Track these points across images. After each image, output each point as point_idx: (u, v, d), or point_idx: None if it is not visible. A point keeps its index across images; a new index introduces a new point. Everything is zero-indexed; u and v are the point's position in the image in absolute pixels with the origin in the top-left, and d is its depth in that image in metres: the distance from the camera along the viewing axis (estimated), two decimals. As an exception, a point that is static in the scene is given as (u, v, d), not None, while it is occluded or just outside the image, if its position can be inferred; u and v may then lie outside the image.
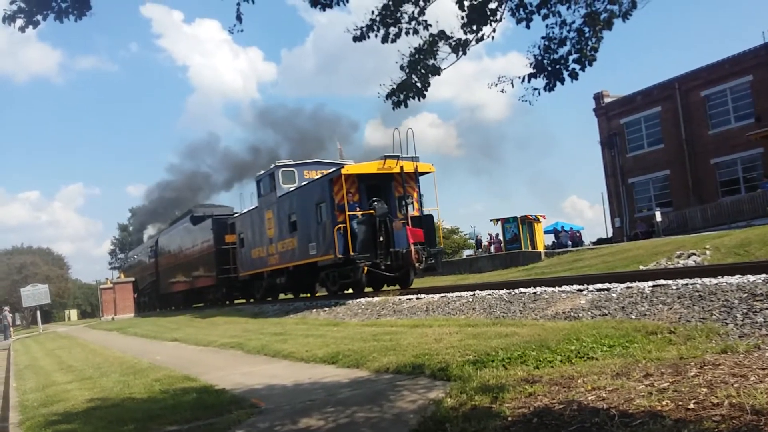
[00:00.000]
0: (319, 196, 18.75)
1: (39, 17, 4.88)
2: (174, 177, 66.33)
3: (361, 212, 17.71)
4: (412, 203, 18.66)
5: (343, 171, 17.55)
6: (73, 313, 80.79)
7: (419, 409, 5.17)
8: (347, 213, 17.33)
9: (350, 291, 19.36)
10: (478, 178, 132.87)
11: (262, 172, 23.43)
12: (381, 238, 17.30)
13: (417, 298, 14.19)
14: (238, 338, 13.14)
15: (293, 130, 54.59)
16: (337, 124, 66.38)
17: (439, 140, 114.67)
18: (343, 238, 17.29)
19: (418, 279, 19.86)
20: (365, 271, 17.27)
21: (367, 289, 18.66)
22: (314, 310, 17.25)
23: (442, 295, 13.65)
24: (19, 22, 4.84)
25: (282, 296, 25.14)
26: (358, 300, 16.46)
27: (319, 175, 19.93)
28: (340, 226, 17.34)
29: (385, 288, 18.90)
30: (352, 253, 17.12)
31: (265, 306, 22.17)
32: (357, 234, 17.39)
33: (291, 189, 21.11)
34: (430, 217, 18.77)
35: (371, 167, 17.90)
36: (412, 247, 16.77)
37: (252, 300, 27.40)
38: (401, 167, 17.72)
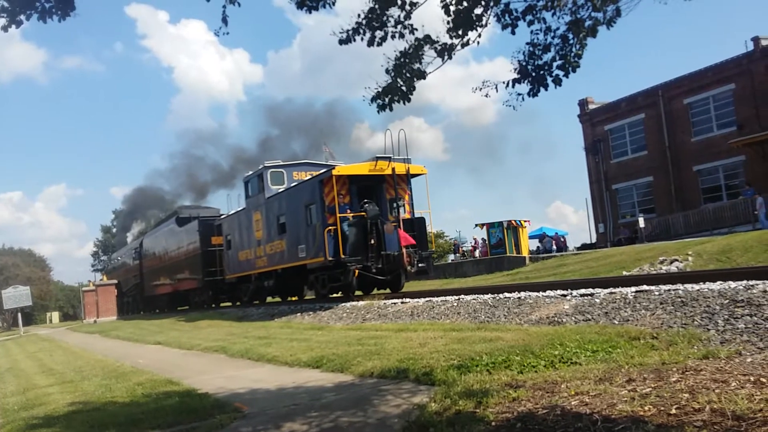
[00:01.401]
0: (309, 197, 18.48)
1: (22, 17, 4.83)
2: (174, 165, 65.11)
3: (351, 214, 17.46)
4: (404, 205, 18.44)
5: (334, 172, 17.28)
6: (55, 316, 79.81)
7: (403, 414, 5.16)
8: (338, 215, 17.09)
9: (339, 294, 19.12)
10: (464, 182, 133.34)
11: (250, 172, 23.16)
12: (372, 241, 17.02)
13: (402, 303, 14.18)
14: (221, 342, 13.07)
15: (309, 124, 53.56)
16: (351, 123, 65.83)
17: (426, 145, 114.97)
18: (333, 240, 17.03)
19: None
20: (356, 274, 17.03)
21: (357, 293, 18.45)
22: (299, 313, 17.18)
23: (427, 299, 13.66)
24: (2, 21, 4.79)
25: (269, 299, 24.95)
26: (343, 304, 16.40)
27: (309, 176, 19.69)
28: (330, 228, 17.12)
29: (375, 292, 18.77)
30: (342, 256, 16.86)
31: (250, 309, 22.04)
32: (348, 236, 17.12)
33: (280, 190, 20.87)
34: (422, 219, 18.52)
35: (362, 168, 17.65)
36: (404, 250, 16.59)
37: (238, 303, 27.15)
38: (393, 169, 17.48)
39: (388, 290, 18.42)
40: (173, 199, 56.92)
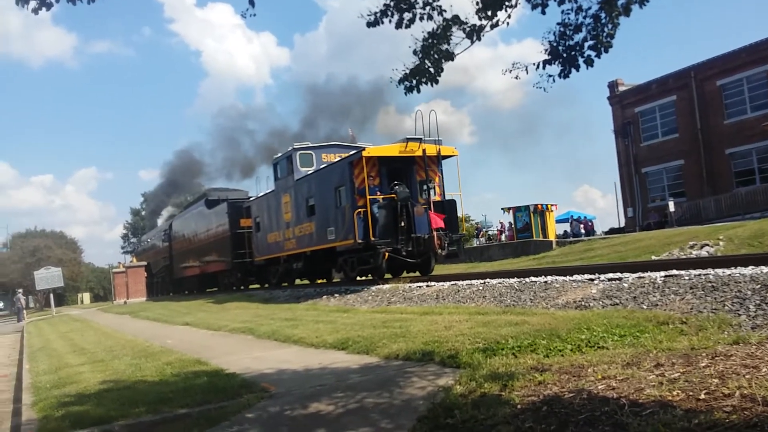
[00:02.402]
0: (339, 179, 18.31)
1: None
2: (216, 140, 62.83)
3: (381, 196, 17.23)
4: (434, 188, 18.13)
5: (365, 153, 17.08)
6: (86, 297, 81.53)
7: (428, 396, 5.17)
8: (368, 197, 16.90)
9: (369, 277, 18.95)
10: (491, 166, 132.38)
11: (279, 155, 23.08)
12: (402, 223, 16.85)
13: (427, 286, 14.19)
14: (249, 323, 13.20)
15: (353, 101, 52.99)
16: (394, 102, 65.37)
17: (452, 128, 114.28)
18: (363, 222, 16.85)
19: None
20: (386, 257, 16.85)
21: (386, 276, 18.24)
22: (325, 296, 17.26)
23: (453, 283, 13.65)
24: (33, 3, 4.83)
25: (297, 282, 24.99)
26: (368, 287, 16.43)
27: (338, 158, 19.55)
28: (360, 210, 16.94)
29: (404, 275, 18.58)
30: (372, 239, 16.69)
31: (276, 292, 22.20)
32: (378, 219, 16.91)
33: (309, 172, 20.76)
34: (453, 202, 18.13)
35: (393, 150, 17.41)
36: (435, 232, 16.37)
37: (266, 285, 27.25)
38: (423, 150, 17.22)
39: (417, 273, 18.26)
40: (216, 171, 56.89)
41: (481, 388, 4.93)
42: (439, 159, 18.01)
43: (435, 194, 18.08)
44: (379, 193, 17.37)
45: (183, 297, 35.54)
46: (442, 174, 18.35)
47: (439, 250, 16.70)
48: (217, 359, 8.73)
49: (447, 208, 17.73)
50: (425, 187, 17.98)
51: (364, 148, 17.67)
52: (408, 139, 17.24)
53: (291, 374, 7.04)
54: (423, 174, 17.82)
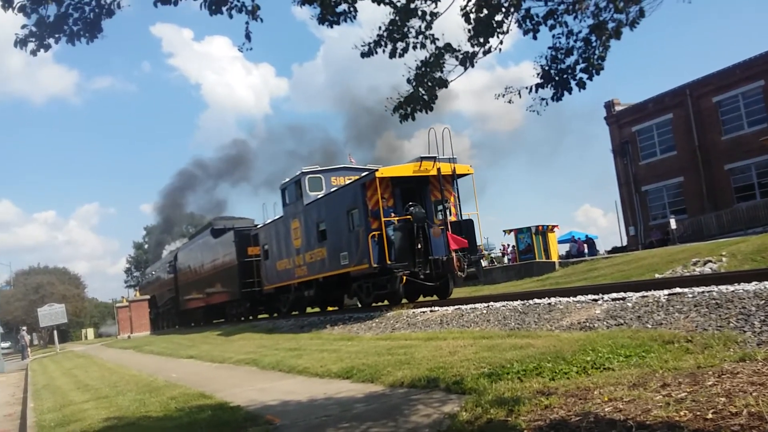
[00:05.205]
0: (351, 202, 17.77)
1: (50, 41, 4.93)
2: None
3: (396, 218, 16.66)
4: (450, 208, 17.49)
5: (377, 174, 16.49)
6: (90, 332, 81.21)
7: (434, 423, 5.14)
8: (382, 219, 16.34)
9: (385, 303, 18.35)
10: (491, 188, 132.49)
11: (287, 179, 22.52)
12: (419, 246, 16.32)
13: (431, 311, 14.13)
14: (253, 354, 13.15)
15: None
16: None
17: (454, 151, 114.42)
18: (378, 246, 16.30)
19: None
20: (404, 280, 16.34)
21: (402, 301, 17.73)
22: (329, 325, 17.17)
23: (456, 307, 13.59)
24: (31, 45, 4.88)
25: (309, 310, 24.45)
26: (372, 314, 16.32)
27: (348, 181, 19.08)
28: (374, 233, 16.38)
29: (421, 299, 18.02)
30: (388, 262, 16.06)
31: (280, 321, 22.04)
32: (393, 241, 16.30)
33: (319, 196, 20.29)
34: (470, 221, 17.47)
35: (407, 170, 16.89)
36: (454, 254, 15.88)
37: (275, 315, 26.67)
38: (438, 169, 16.76)
39: (435, 297, 17.80)
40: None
41: (487, 413, 4.90)
42: (454, 178, 17.44)
43: (451, 214, 17.43)
44: (393, 214, 16.78)
45: (188, 330, 35.35)
46: (458, 193, 17.74)
47: (459, 273, 16.10)
48: (222, 392, 8.69)
49: (464, 228, 17.16)
50: (440, 207, 17.45)
51: (376, 169, 17.06)
52: (422, 158, 16.75)
53: (296, 405, 7.00)
54: (438, 194, 17.30)
